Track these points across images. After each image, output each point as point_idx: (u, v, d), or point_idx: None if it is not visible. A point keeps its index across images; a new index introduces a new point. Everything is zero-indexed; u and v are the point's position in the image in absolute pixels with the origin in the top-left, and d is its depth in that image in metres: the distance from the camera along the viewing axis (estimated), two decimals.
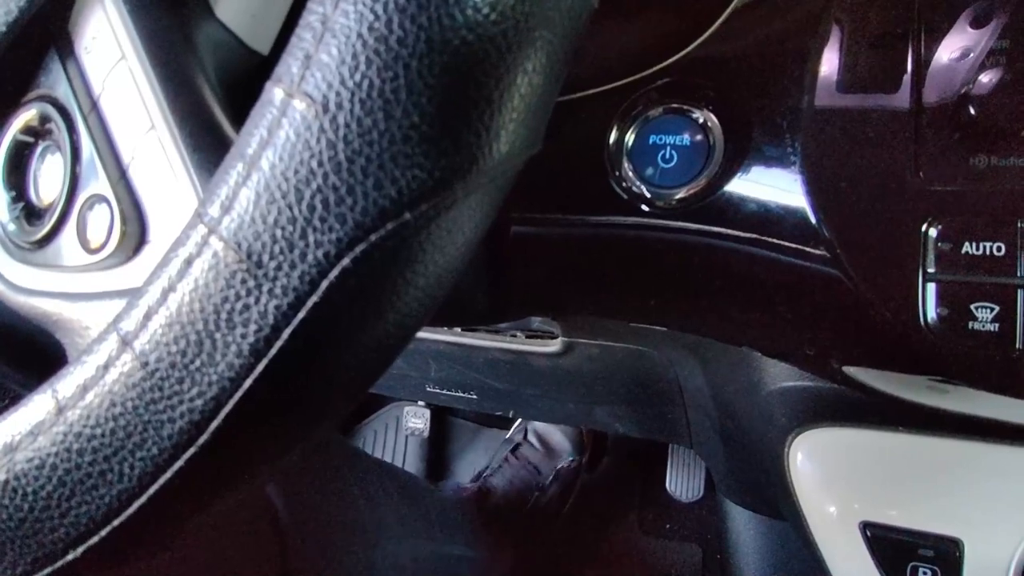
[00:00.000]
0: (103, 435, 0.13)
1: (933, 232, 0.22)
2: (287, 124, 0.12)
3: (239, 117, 0.18)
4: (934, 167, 0.23)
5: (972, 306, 0.22)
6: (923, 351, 0.23)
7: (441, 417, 0.97)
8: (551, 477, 0.82)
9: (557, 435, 0.85)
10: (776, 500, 0.39)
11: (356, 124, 0.12)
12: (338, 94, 0.12)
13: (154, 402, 0.13)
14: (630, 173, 0.27)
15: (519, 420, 0.90)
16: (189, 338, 0.13)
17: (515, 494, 0.77)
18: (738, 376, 0.37)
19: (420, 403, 0.94)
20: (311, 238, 0.12)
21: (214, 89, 0.18)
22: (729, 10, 0.28)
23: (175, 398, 0.13)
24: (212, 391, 0.13)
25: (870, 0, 0.24)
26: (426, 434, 0.94)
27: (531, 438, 0.86)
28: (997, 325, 0.22)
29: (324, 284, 0.12)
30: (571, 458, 0.83)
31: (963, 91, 0.22)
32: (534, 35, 0.13)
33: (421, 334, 0.51)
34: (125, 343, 0.13)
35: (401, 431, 0.96)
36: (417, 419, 0.94)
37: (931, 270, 0.22)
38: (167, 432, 0.13)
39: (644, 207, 0.27)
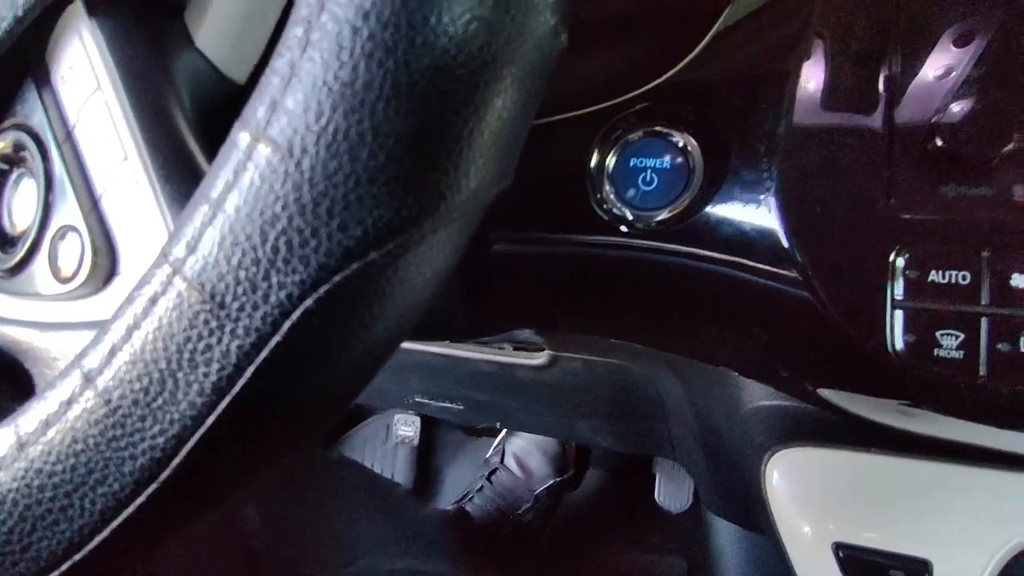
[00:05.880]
0: (64, 471, 0.13)
1: (901, 260, 0.22)
2: (252, 168, 0.12)
3: (213, 147, 0.18)
4: (906, 194, 0.23)
5: (938, 333, 0.22)
6: (891, 376, 0.23)
7: (431, 426, 0.97)
8: (529, 502, 0.79)
9: (536, 457, 0.82)
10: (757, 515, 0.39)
11: (321, 168, 0.12)
12: (303, 139, 0.12)
13: (116, 439, 0.13)
14: (611, 195, 0.27)
15: (497, 440, 0.88)
16: (152, 376, 0.13)
17: (492, 520, 0.75)
18: (717, 394, 0.37)
19: (411, 411, 0.93)
20: (274, 280, 0.12)
21: (188, 120, 0.18)
22: (710, 36, 0.28)
23: (137, 435, 0.13)
24: (174, 429, 0.13)
25: (850, 19, 0.24)
26: (416, 442, 0.93)
27: (508, 461, 0.82)
28: (962, 352, 0.22)
29: (287, 325, 0.12)
30: (550, 481, 0.80)
31: (934, 119, 0.22)
32: (502, 73, 0.13)
33: (406, 345, 0.51)
34: (88, 380, 0.13)
35: (391, 439, 0.95)
36: (407, 427, 0.93)
37: (899, 297, 0.23)
38: (128, 468, 0.13)
39: (624, 228, 0.28)
